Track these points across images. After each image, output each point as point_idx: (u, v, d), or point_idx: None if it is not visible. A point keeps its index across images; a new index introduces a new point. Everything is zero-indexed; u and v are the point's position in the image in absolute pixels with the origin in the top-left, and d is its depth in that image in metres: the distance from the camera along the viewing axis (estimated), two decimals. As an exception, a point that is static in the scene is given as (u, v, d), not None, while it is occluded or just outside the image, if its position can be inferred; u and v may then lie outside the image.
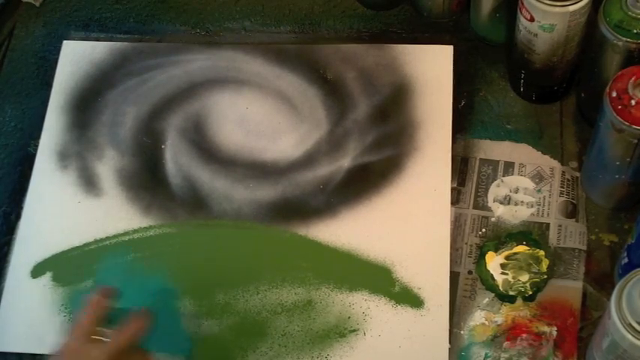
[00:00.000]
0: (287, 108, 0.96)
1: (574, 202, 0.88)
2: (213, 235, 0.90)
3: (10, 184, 0.95)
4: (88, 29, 1.03)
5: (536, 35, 0.84)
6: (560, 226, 0.87)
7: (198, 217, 0.90)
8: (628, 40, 0.78)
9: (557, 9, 0.81)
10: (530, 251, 0.86)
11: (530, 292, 0.84)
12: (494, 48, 0.97)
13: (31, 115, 0.99)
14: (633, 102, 0.74)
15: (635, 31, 0.78)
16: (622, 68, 0.77)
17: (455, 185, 0.90)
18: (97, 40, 1.02)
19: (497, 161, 0.91)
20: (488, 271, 0.86)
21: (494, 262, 0.86)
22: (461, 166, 0.91)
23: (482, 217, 0.88)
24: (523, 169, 0.90)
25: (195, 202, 0.91)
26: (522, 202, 0.89)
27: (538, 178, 0.90)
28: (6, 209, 0.93)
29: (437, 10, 0.98)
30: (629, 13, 0.78)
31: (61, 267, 0.89)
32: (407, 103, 0.94)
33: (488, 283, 0.85)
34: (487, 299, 0.84)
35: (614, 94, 0.75)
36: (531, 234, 0.87)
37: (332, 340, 0.84)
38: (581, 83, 0.92)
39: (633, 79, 0.74)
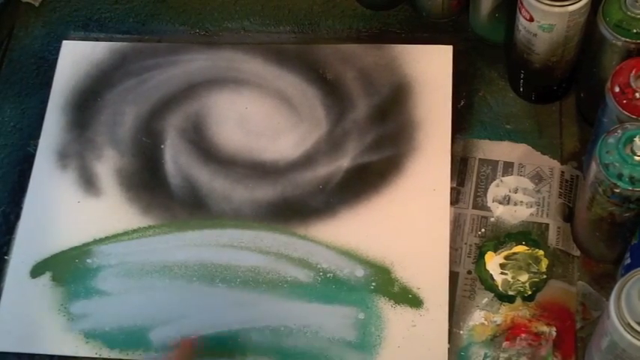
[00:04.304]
0: (286, 108, 0.96)
1: (570, 205, 0.88)
2: (212, 235, 0.90)
3: (9, 184, 0.95)
4: (87, 29, 1.03)
5: (535, 35, 0.84)
6: (559, 227, 0.87)
7: (198, 217, 0.90)
8: (627, 39, 0.78)
9: (557, 9, 0.81)
10: (530, 251, 0.86)
11: (530, 292, 0.84)
12: (494, 48, 0.97)
13: (30, 115, 0.99)
14: (638, 95, 0.74)
15: (634, 30, 0.78)
16: (621, 67, 0.78)
17: (454, 185, 0.90)
18: (97, 40, 1.02)
19: (497, 161, 0.91)
20: (488, 271, 0.86)
21: (493, 262, 0.86)
22: (460, 166, 0.91)
23: (482, 217, 0.88)
24: (522, 169, 0.90)
25: (195, 202, 0.91)
26: (522, 202, 0.89)
27: (537, 178, 0.90)
28: (5, 209, 0.93)
29: (436, 10, 0.98)
30: (629, 13, 0.78)
31: (60, 267, 0.89)
32: (406, 103, 0.94)
33: (488, 283, 0.85)
34: (486, 299, 0.85)
35: (617, 89, 0.75)
36: (530, 234, 0.87)
37: (332, 340, 0.84)
38: (580, 83, 0.92)
39: (634, 71, 0.75)
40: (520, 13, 0.84)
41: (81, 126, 0.97)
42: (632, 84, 0.75)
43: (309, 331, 0.84)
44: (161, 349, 0.84)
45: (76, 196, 0.93)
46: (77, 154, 0.95)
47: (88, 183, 0.93)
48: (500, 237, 0.87)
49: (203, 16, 1.04)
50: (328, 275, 0.86)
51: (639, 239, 0.76)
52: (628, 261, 0.78)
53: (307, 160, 0.93)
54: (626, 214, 0.75)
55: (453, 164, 0.91)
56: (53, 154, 0.95)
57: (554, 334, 0.82)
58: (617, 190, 0.73)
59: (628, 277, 0.68)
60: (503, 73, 0.96)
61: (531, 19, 0.83)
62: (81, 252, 0.90)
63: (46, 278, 0.89)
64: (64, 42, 1.02)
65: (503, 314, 0.84)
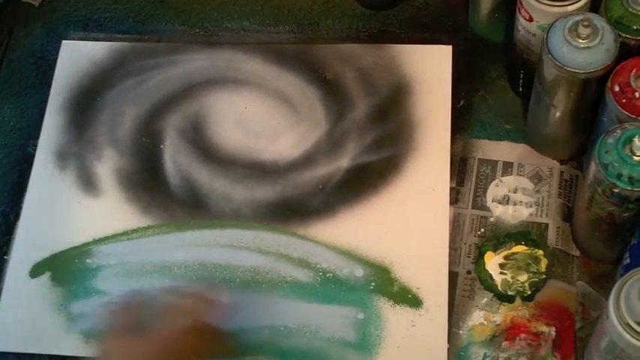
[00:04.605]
0: (286, 108, 0.96)
1: (569, 205, 0.88)
2: (212, 235, 0.90)
3: (9, 184, 0.95)
4: (87, 29, 1.03)
5: (535, 35, 0.84)
6: (558, 227, 0.87)
7: (197, 217, 0.90)
8: (627, 36, 0.78)
9: (556, 9, 0.81)
10: (529, 251, 0.86)
11: (529, 292, 0.84)
12: (493, 48, 0.97)
13: (30, 115, 0.99)
14: (637, 94, 0.74)
15: (634, 27, 0.78)
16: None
17: (453, 185, 0.90)
18: (96, 40, 1.02)
19: (496, 161, 0.91)
20: (487, 271, 0.86)
21: (492, 262, 0.86)
22: (460, 166, 0.91)
23: (481, 217, 0.88)
24: (522, 169, 0.90)
25: (194, 202, 0.91)
26: (521, 202, 0.89)
27: (537, 178, 0.90)
28: (5, 209, 0.93)
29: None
30: (630, 9, 0.78)
31: (60, 267, 0.89)
32: (406, 103, 0.94)
33: (487, 283, 0.85)
34: (486, 299, 0.85)
35: (616, 89, 0.75)
36: (530, 234, 0.87)
37: (332, 340, 0.84)
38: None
39: (634, 70, 0.75)
40: (519, 13, 0.84)
41: (80, 126, 0.97)
42: (632, 83, 0.75)
43: (308, 331, 0.84)
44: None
45: (76, 196, 0.93)
46: (77, 154, 0.95)
47: (88, 183, 0.93)
48: (499, 237, 0.87)
49: (202, 16, 1.04)
50: (328, 275, 0.86)
51: (638, 239, 0.76)
52: (627, 261, 0.78)
53: (307, 160, 0.93)
54: (625, 214, 0.75)
55: (453, 164, 0.91)
56: (53, 154, 0.95)
57: (553, 334, 0.82)
58: (617, 190, 0.73)
59: (627, 277, 0.68)
60: (503, 73, 0.96)
61: (531, 19, 0.83)
62: (80, 252, 0.90)
63: (45, 278, 0.89)
64: (64, 42, 1.02)
65: (502, 314, 0.84)
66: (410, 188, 0.90)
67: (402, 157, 0.92)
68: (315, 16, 1.02)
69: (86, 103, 0.98)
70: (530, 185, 0.89)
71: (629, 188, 0.72)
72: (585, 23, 0.75)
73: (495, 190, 0.90)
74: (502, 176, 0.90)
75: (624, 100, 0.75)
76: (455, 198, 0.89)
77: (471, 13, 0.98)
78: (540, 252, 0.86)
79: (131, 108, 0.97)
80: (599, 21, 0.77)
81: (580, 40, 0.76)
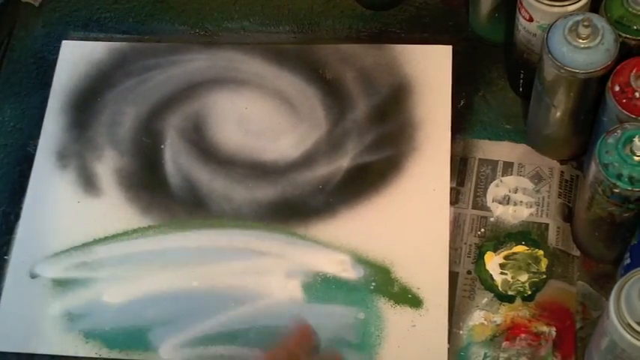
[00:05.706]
0: (286, 108, 0.96)
1: (570, 205, 0.88)
2: (212, 235, 0.90)
3: (9, 184, 0.95)
4: (87, 29, 1.03)
5: (535, 35, 0.84)
6: (558, 227, 0.87)
7: (198, 217, 0.90)
8: (628, 36, 0.78)
9: (556, 9, 0.81)
10: (529, 251, 0.86)
11: (529, 292, 0.84)
12: (494, 48, 0.97)
13: (30, 115, 0.99)
14: (637, 94, 0.74)
15: (635, 27, 0.78)
16: (622, 64, 0.78)
17: (454, 185, 0.90)
18: (96, 40, 1.02)
19: (497, 161, 0.91)
20: (487, 271, 0.86)
21: (493, 262, 0.86)
22: (460, 166, 0.91)
23: (481, 217, 0.88)
24: (522, 169, 0.90)
25: (195, 202, 0.91)
26: (521, 202, 0.89)
27: (537, 178, 0.90)
28: (5, 209, 0.93)
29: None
30: (630, 9, 0.78)
31: (60, 267, 0.89)
32: (406, 103, 0.94)
33: (488, 283, 0.85)
34: (486, 299, 0.85)
35: (617, 89, 0.75)
36: (530, 234, 0.87)
37: (332, 340, 0.84)
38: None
39: (634, 70, 0.75)
40: (520, 13, 0.84)
41: (81, 126, 0.97)
42: (632, 83, 0.75)
43: (309, 331, 0.84)
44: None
45: (76, 196, 0.93)
46: (77, 154, 0.95)
47: (88, 183, 0.93)
48: (499, 237, 0.87)
49: (203, 16, 1.04)
50: (328, 275, 0.86)
51: (639, 239, 0.76)
52: (627, 261, 0.78)
53: (307, 160, 0.93)
54: (626, 214, 0.75)
55: (453, 164, 0.91)
56: (53, 154, 0.95)
57: (553, 334, 0.82)
58: (617, 190, 0.73)
59: (628, 277, 0.68)
60: (503, 73, 0.96)
61: (531, 19, 0.83)
62: (81, 252, 0.89)
63: (45, 278, 0.89)
64: (64, 42, 1.02)
65: (502, 314, 0.84)
66: (410, 188, 0.90)
67: (402, 157, 0.92)
68: (315, 16, 1.02)
69: (86, 103, 0.98)
70: (530, 185, 0.89)
71: (630, 188, 0.72)
72: (585, 23, 0.76)
73: (496, 190, 0.90)
74: (502, 176, 0.90)
75: (624, 100, 0.75)
76: (455, 198, 0.89)
77: (471, 13, 0.98)
78: (540, 252, 0.86)
79: (131, 108, 0.97)
80: (599, 21, 0.77)
81: (580, 40, 0.76)
